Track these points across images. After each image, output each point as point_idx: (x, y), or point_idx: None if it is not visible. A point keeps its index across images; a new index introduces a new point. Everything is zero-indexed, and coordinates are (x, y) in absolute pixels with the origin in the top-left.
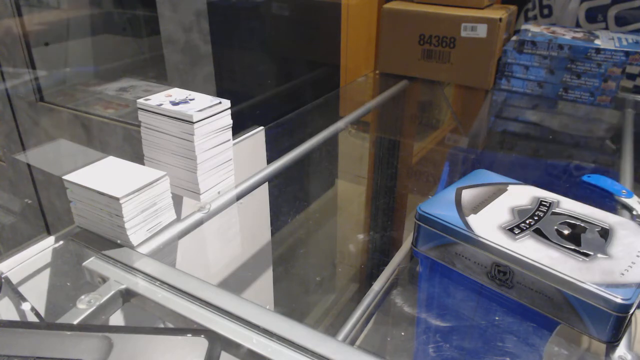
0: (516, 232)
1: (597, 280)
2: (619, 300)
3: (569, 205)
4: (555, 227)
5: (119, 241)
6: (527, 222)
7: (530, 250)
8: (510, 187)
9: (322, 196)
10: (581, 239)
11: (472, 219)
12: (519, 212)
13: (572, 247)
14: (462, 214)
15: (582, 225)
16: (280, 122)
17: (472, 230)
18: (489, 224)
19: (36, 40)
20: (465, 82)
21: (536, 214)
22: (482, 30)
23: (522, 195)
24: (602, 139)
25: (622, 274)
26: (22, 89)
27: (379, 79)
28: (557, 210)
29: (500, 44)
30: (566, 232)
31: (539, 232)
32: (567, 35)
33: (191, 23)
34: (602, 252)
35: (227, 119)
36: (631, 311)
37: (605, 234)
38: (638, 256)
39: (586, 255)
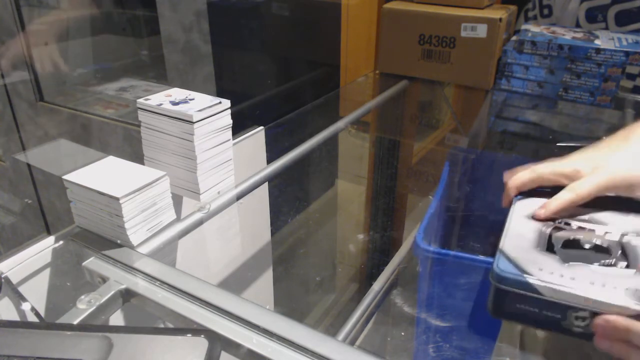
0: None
1: None
2: None
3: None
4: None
5: (119, 241)
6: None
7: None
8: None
9: (322, 196)
10: None
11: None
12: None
13: None
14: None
15: None
16: (280, 122)
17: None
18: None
19: (36, 40)
20: (465, 82)
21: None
22: (482, 30)
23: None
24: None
25: None
26: (22, 88)
27: (379, 79)
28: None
29: (500, 44)
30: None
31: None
32: (567, 35)
33: (191, 23)
34: None
35: (227, 119)
36: None
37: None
38: None
39: None
